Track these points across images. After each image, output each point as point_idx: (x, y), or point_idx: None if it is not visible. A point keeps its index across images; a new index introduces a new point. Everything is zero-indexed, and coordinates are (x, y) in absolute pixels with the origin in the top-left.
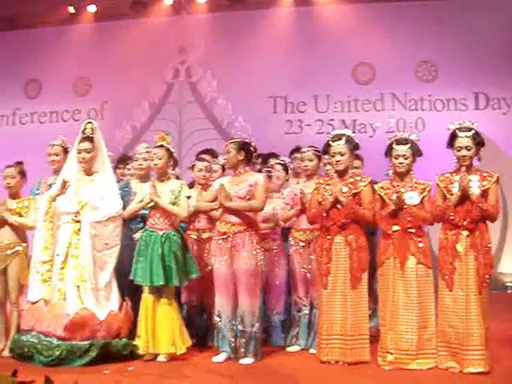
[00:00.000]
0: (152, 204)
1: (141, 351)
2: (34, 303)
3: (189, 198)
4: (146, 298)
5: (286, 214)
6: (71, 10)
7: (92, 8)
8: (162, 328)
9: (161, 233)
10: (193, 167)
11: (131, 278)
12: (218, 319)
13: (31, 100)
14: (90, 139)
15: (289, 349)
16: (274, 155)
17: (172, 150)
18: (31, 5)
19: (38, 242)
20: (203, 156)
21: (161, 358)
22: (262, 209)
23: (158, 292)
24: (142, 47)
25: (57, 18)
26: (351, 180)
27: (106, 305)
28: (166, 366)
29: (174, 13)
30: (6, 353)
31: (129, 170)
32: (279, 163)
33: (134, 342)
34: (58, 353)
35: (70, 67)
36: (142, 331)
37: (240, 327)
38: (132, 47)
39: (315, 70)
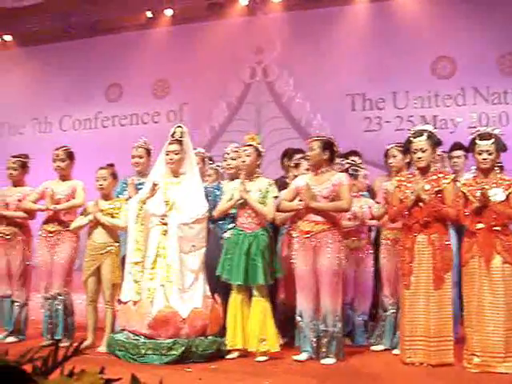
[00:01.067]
0: (241, 201)
1: (228, 347)
2: (124, 303)
3: (276, 198)
4: (235, 295)
5: (378, 211)
6: (149, 14)
7: (169, 12)
8: (253, 326)
9: (249, 232)
10: (297, 166)
11: (218, 274)
12: (299, 319)
13: (112, 103)
14: (179, 142)
15: (373, 348)
16: (356, 153)
17: (261, 149)
18: (110, 12)
19: (130, 243)
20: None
21: (259, 358)
22: (349, 210)
23: (248, 290)
24: (219, 48)
25: (135, 24)
26: (434, 177)
27: (191, 303)
28: (251, 365)
29: (249, 13)
30: (101, 349)
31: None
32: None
33: (222, 340)
34: (143, 351)
35: (149, 70)
36: (230, 328)
37: (322, 327)
38: (209, 49)
39: (393, 65)
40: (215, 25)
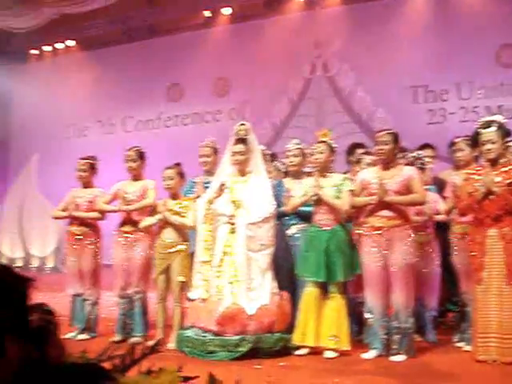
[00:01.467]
0: (315, 198)
1: (297, 343)
2: (193, 300)
3: (351, 191)
4: (310, 291)
5: (447, 205)
6: (207, 14)
7: (227, 10)
8: (327, 323)
9: (326, 229)
10: (358, 161)
11: (298, 273)
12: (368, 315)
13: (174, 103)
14: (244, 141)
15: (458, 344)
16: (429, 146)
17: (334, 145)
18: (169, 13)
19: (199, 243)
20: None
21: (328, 354)
22: (424, 203)
23: (324, 287)
24: (278, 45)
25: (194, 23)
26: (505, 169)
27: (258, 301)
28: (320, 362)
29: (307, 8)
30: (170, 346)
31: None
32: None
33: (289, 336)
34: (210, 347)
35: (209, 69)
36: (301, 324)
37: (395, 323)
38: (268, 45)
39: (456, 55)
40: (273, 21)
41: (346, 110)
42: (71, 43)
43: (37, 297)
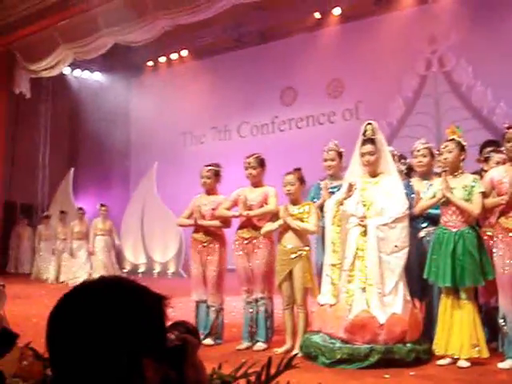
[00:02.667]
0: (443, 200)
1: (436, 353)
2: (321, 305)
3: (482, 193)
4: (443, 298)
5: None
6: (317, 15)
7: (337, 11)
8: (458, 330)
9: (454, 230)
10: (486, 160)
11: (425, 277)
12: (502, 322)
13: (287, 107)
14: (372, 141)
15: None
16: None
17: (463, 143)
18: (279, 17)
19: (327, 246)
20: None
21: (461, 363)
22: None
23: (455, 292)
24: (390, 42)
25: (304, 26)
26: None
27: (390, 308)
28: (453, 371)
29: (419, 3)
30: (295, 353)
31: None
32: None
33: (422, 347)
34: (339, 356)
35: (322, 71)
36: (440, 334)
37: None
38: (380, 43)
39: None
40: (384, 18)
41: (464, 105)
42: (184, 53)
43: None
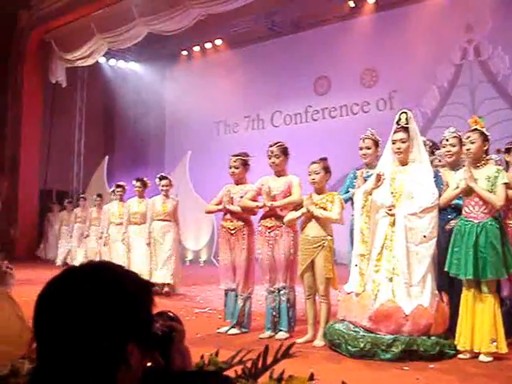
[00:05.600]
0: (467, 190)
1: (459, 348)
2: (348, 294)
3: (506, 184)
4: (464, 291)
5: None
6: (351, 4)
7: None
8: (480, 324)
9: (476, 222)
10: (508, 151)
11: (446, 269)
12: None
13: (321, 96)
14: (405, 129)
15: None
16: None
17: (487, 133)
18: (312, 6)
19: (356, 235)
20: None
21: (482, 358)
22: None
23: (477, 285)
24: (425, 31)
25: (337, 15)
26: None
27: (416, 299)
28: (473, 366)
29: None
30: (317, 343)
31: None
32: None
33: (446, 341)
34: (362, 344)
35: (356, 60)
36: (462, 327)
37: None
38: (414, 32)
39: None
40: (419, 7)
41: (501, 95)
42: (218, 42)
43: (191, 290)
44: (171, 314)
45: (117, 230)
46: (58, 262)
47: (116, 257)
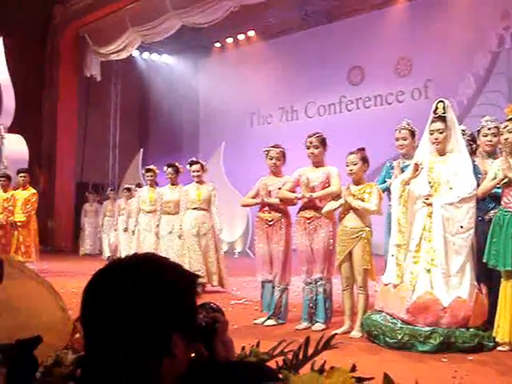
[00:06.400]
0: (506, 181)
1: (498, 340)
2: (386, 285)
3: None
4: (503, 282)
5: None
6: None
7: None
8: None
9: None
10: None
11: (484, 260)
12: None
13: (355, 86)
14: (442, 118)
15: None
16: None
17: None
18: None
19: (393, 226)
20: None
21: None
22: None
23: None
24: (460, 19)
25: (370, 4)
26: None
27: (455, 291)
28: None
29: None
30: (354, 334)
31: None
32: None
33: (485, 333)
34: (400, 336)
35: (390, 50)
36: (501, 319)
37: None
38: (450, 20)
39: None
40: None
41: None
42: (251, 34)
43: (228, 281)
44: (214, 305)
45: (148, 219)
46: (105, 254)
47: (146, 250)
